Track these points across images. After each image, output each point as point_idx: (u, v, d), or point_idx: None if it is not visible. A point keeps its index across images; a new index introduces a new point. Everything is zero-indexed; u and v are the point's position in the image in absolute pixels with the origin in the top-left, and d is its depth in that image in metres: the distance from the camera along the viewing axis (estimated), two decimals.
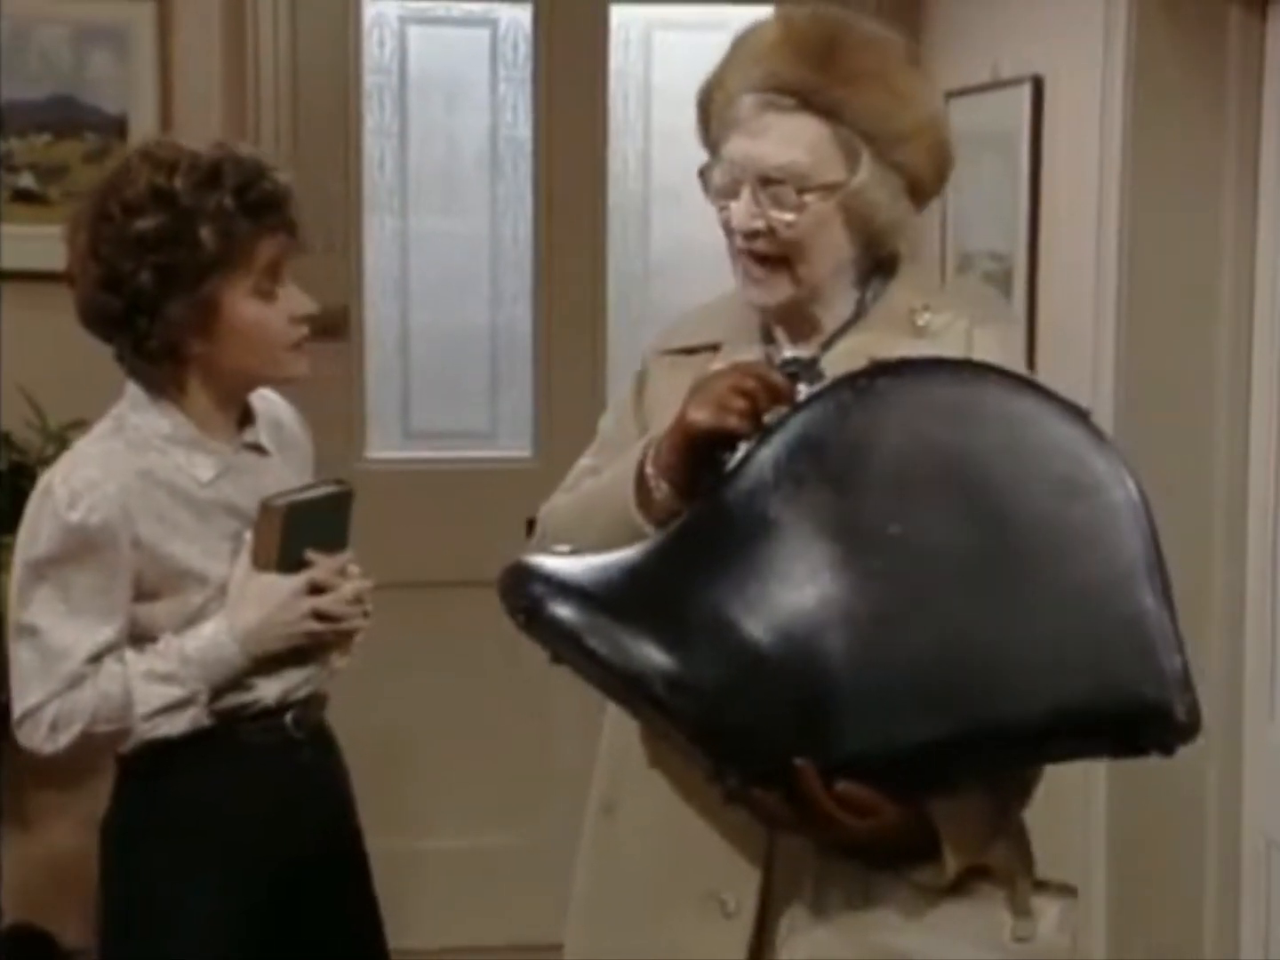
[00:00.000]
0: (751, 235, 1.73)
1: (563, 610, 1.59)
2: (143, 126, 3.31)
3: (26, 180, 3.31)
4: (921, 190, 1.77)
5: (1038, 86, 3.02)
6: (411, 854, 3.74)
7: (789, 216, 1.71)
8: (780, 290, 1.76)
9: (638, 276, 3.81)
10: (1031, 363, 3.06)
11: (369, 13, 3.66)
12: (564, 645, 1.60)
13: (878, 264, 1.80)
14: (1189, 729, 1.52)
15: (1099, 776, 2.78)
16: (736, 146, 1.73)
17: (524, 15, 3.70)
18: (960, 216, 3.39)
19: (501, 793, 3.68)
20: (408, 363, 3.79)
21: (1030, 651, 1.52)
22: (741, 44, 1.75)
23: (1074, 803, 2.86)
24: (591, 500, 1.80)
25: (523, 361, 3.79)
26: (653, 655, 1.56)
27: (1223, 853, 2.81)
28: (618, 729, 1.80)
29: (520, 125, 3.74)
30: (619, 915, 1.82)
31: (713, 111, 1.77)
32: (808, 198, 1.71)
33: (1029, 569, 1.53)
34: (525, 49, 3.71)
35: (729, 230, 1.75)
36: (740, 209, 1.72)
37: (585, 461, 1.92)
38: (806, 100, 1.69)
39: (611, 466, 1.80)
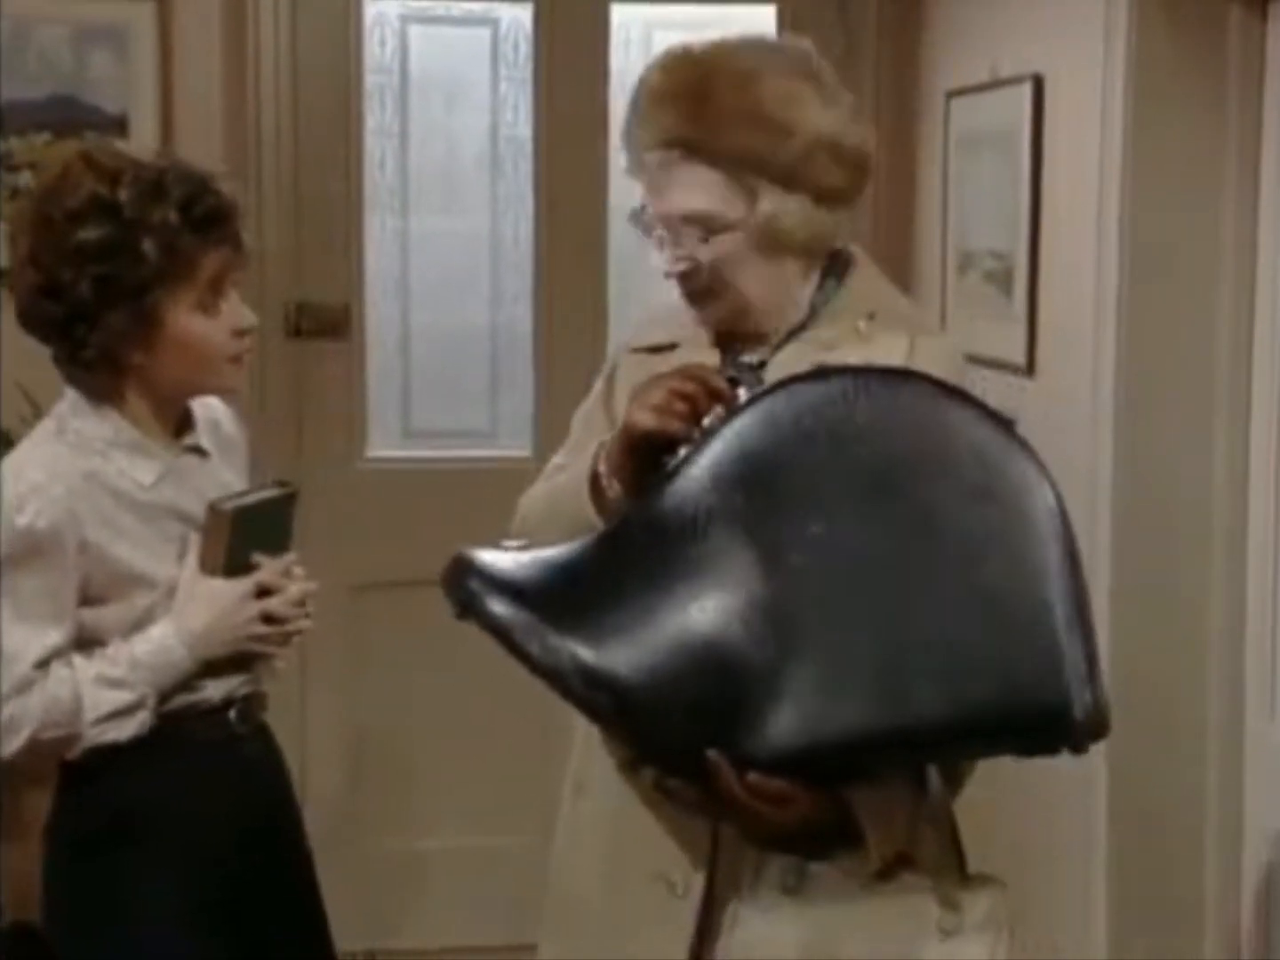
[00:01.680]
0: (681, 276, 1.83)
1: (495, 606, 1.65)
2: (143, 126, 3.31)
3: (26, 179, 3.31)
4: (839, 195, 1.82)
5: (1038, 86, 3.02)
6: (413, 854, 3.75)
7: (703, 258, 1.80)
8: (716, 312, 1.85)
9: (638, 276, 3.81)
10: (1031, 362, 3.06)
11: (370, 12, 3.66)
12: (497, 639, 1.66)
13: (829, 268, 1.87)
14: (1091, 730, 1.56)
15: (1100, 777, 2.78)
16: (651, 198, 1.83)
17: (525, 15, 3.70)
18: (961, 215, 3.39)
19: (504, 793, 3.68)
20: (408, 362, 3.79)
21: (938, 653, 1.57)
22: (634, 98, 1.83)
23: (1073, 803, 2.86)
24: (555, 497, 1.87)
25: (523, 361, 3.79)
26: (575, 651, 1.62)
27: (1223, 852, 2.81)
28: None
29: (521, 125, 3.73)
30: (579, 895, 1.87)
31: (633, 167, 1.85)
32: (716, 239, 1.79)
33: (941, 571, 1.59)
34: (526, 49, 3.71)
35: (666, 273, 1.85)
36: (662, 256, 1.83)
37: (558, 459, 1.98)
38: (693, 149, 1.77)
39: (575, 465, 1.86)
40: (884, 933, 1.69)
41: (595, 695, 1.62)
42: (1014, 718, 1.57)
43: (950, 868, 1.74)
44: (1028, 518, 1.59)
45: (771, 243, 1.80)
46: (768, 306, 1.85)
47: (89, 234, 1.95)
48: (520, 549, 1.71)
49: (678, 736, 1.62)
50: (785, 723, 1.59)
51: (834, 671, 1.58)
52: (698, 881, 1.77)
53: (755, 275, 1.82)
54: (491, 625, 1.66)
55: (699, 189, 1.79)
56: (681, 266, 1.82)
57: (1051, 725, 1.56)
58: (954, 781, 1.77)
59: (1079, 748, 1.57)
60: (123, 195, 1.95)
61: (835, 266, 1.88)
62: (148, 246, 1.95)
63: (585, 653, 1.62)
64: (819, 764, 1.61)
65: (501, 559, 1.69)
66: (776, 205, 1.78)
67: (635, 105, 1.83)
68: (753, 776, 1.61)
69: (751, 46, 1.84)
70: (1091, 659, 1.57)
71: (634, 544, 1.66)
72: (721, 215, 1.79)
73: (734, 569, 1.62)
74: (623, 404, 1.84)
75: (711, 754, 1.60)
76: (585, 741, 1.89)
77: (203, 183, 2.00)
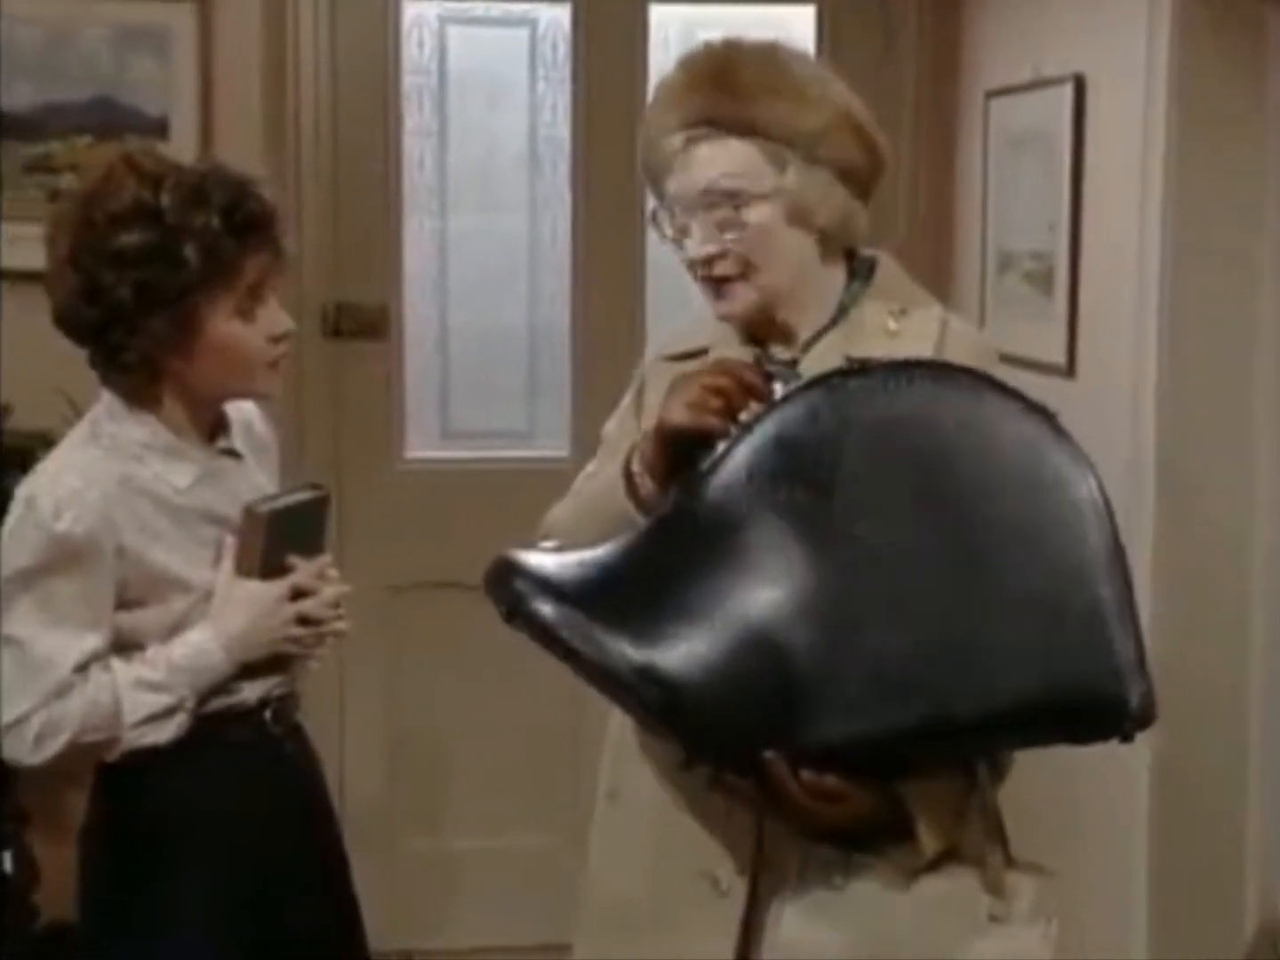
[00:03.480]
0: (709, 261, 1.83)
1: (543, 607, 1.65)
2: (183, 128, 3.32)
3: (68, 182, 3.32)
4: (858, 178, 1.84)
5: (1079, 86, 3.00)
6: (449, 854, 3.75)
7: (735, 234, 1.81)
8: (744, 299, 1.84)
9: (676, 277, 3.80)
10: (1072, 363, 3.05)
11: (408, 13, 3.67)
12: (544, 640, 1.66)
13: (854, 270, 1.88)
14: (1143, 718, 1.58)
15: (1141, 766, 2.77)
16: (675, 183, 1.83)
17: (563, 15, 3.70)
18: (1001, 216, 3.37)
19: (539, 793, 3.68)
20: (446, 363, 3.79)
21: (990, 645, 1.58)
22: (655, 96, 1.87)
23: (1115, 793, 2.85)
24: (589, 502, 1.87)
25: (561, 361, 3.79)
26: (625, 649, 1.62)
27: (1265, 842, 2.79)
28: (620, 718, 1.86)
29: (559, 125, 3.73)
30: (620, 898, 1.87)
31: (650, 164, 1.87)
32: (747, 211, 1.80)
33: (990, 564, 1.60)
34: (564, 49, 3.71)
35: (691, 264, 1.86)
36: (694, 240, 1.83)
37: (589, 469, 1.98)
38: (721, 124, 1.79)
39: (605, 471, 1.86)
40: (933, 922, 1.69)
41: (650, 693, 1.62)
42: (1068, 708, 1.58)
43: (996, 855, 1.73)
44: (1073, 508, 1.60)
45: (800, 218, 1.81)
46: (795, 297, 1.85)
47: (130, 238, 1.95)
48: (557, 550, 1.71)
49: (732, 733, 1.62)
50: (838, 718, 1.59)
51: (885, 665, 1.59)
52: (742, 878, 1.77)
53: (784, 258, 1.82)
54: (540, 626, 1.65)
55: (729, 160, 1.80)
56: (711, 248, 1.82)
57: (1106, 715, 1.58)
58: (998, 769, 1.77)
59: (1129, 736, 1.59)
60: (165, 200, 1.95)
61: (861, 268, 1.89)
62: (188, 252, 1.95)
63: (636, 652, 1.62)
64: (872, 758, 1.62)
65: (545, 559, 1.69)
66: (803, 177, 1.80)
67: (657, 100, 1.86)
68: (807, 774, 1.62)
69: (772, 40, 1.87)
70: (1141, 648, 1.58)
71: (676, 540, 1.66)
72: (752, 186, 1.79)
73: (779, 564, 1.62)
74: (650, 413, 1.84)
75: (768, 755, 1.61)
76: (616, 749, 1.90)
77: (244, 188, 2.00)
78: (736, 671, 1.60)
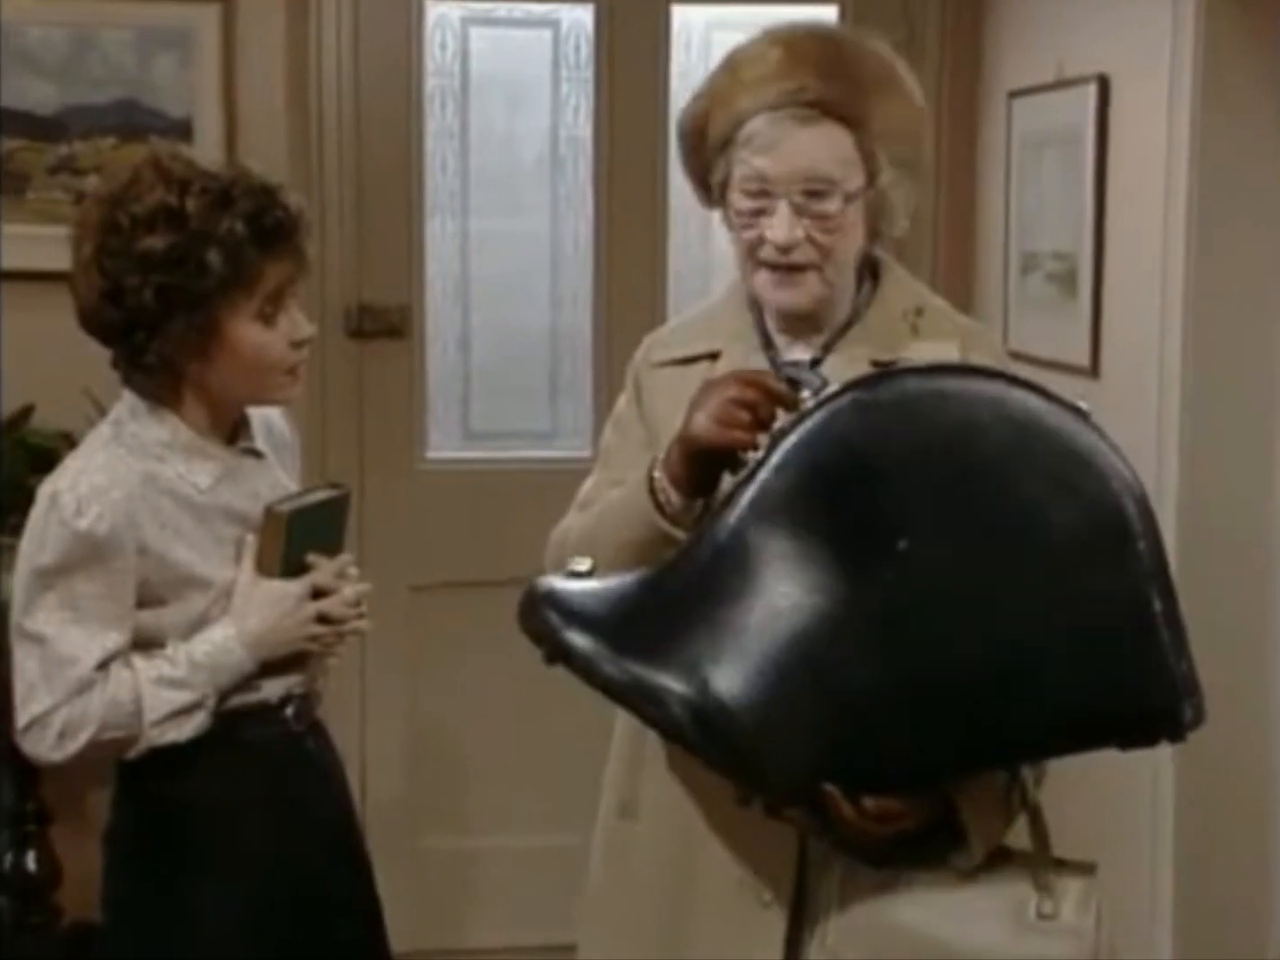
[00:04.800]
0: (787, 248, 1.77)
1: (577, 639, 1.60)
2: (207, 129, 3.33)
3: (93, 183, 3.33)
4: (915, 178, 1.83)
5: (1103, 85, 2.99)
6: (470, 853, 3.75)
7: (826, 224, 1.75)
8: (812, 292, 1.79)
9: (699, 277, 3.80)
10: (1096, 364, 3.04)
11: (431, 14, 3.67)
12: (581, 673, 1.61)
13: (862, 269, 1.85)
14: (1194, 725, 1.58)
15: (1166, 770, 2.76)
16: (762, 164, 1.76)
17: (586, 16, 3.70)
18: (1023, 217, 3.36)
19: (560, 793, 3.67)
20: (468, 363, 3.79)
21: (1042, 660, 1.55)
22: (742, 67, 1.79)
23: (1140, 797, 2.84)
24: (604, 519, 1.82)
25: (582, 362, 3.79)
26: (670, 684, 1.57)
27: None
28: (630, 733, 1.84)
29: (581, 126, 3.73)
30: (638, 917, 1.85)
31: (709, 138, 1.80)
32: (841, 203, 1.75)
33: (1037, 577, 1.55)
34: (587, 50, 3.71)
35: (757, 244, 1.78)
36: (779, 223, 1.76)
37: (591, 481, 1.94)
38: (828, 110, 1.74)
39: (624, 486, 1.81)
40: (982, 923, 1.68)
41: (701, 730, 1.56)
42: (1121, 720, 1.57)
43: (1041, 852, 1.72)
44: (1120, 519, 1.56)
45: (877, 219, 1.78)
46: (837, 295, 1.82)
47: (155, 242, 1.96)
48: (589, 574, 1.65)
49: (791, 769, 1.57)
50: (892, 742, 1.56)
51: (934, 685, 1.55)
52: (785, 888, 1.76)
53: (850, 250, 1.79)
54: (576, 658, 1.61)
55: (831, 150, 1.75)
56: (799, 232, 1.76)
57: (1159, 723, 1.57)
58: (1041, 773, 1.75)
59: (1179, 739, 1.59)
60: (190, 205, 1.96)
61: (867, 267, 1.86)
62: (212, 257, 1.96)
63: (680, 686, 1.56)
64: (928, 777, 1.59)
65: (577, 588, 1.63)
66: (890, 176, 1.77)
67: (745, 71, 1.78)
68: (867, 801, 1.58)
69: (854, 31, 1.88)
70: (1190, 658, 1.56)
71: (709, 568, 1.60)
72: (848, 180, 1.76)
73: (819, 585, 1.56)
74: (662, 419, 1.81)
75: (828, 787, 1.57)
76: (629, 763, 1.87)
77: (269, 195, 2.00)
78: (790, 706, 1.55)
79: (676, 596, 1.61)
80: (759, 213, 1.78)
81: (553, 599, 1.63)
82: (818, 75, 1.75)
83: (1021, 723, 1.56)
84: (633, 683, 1.58)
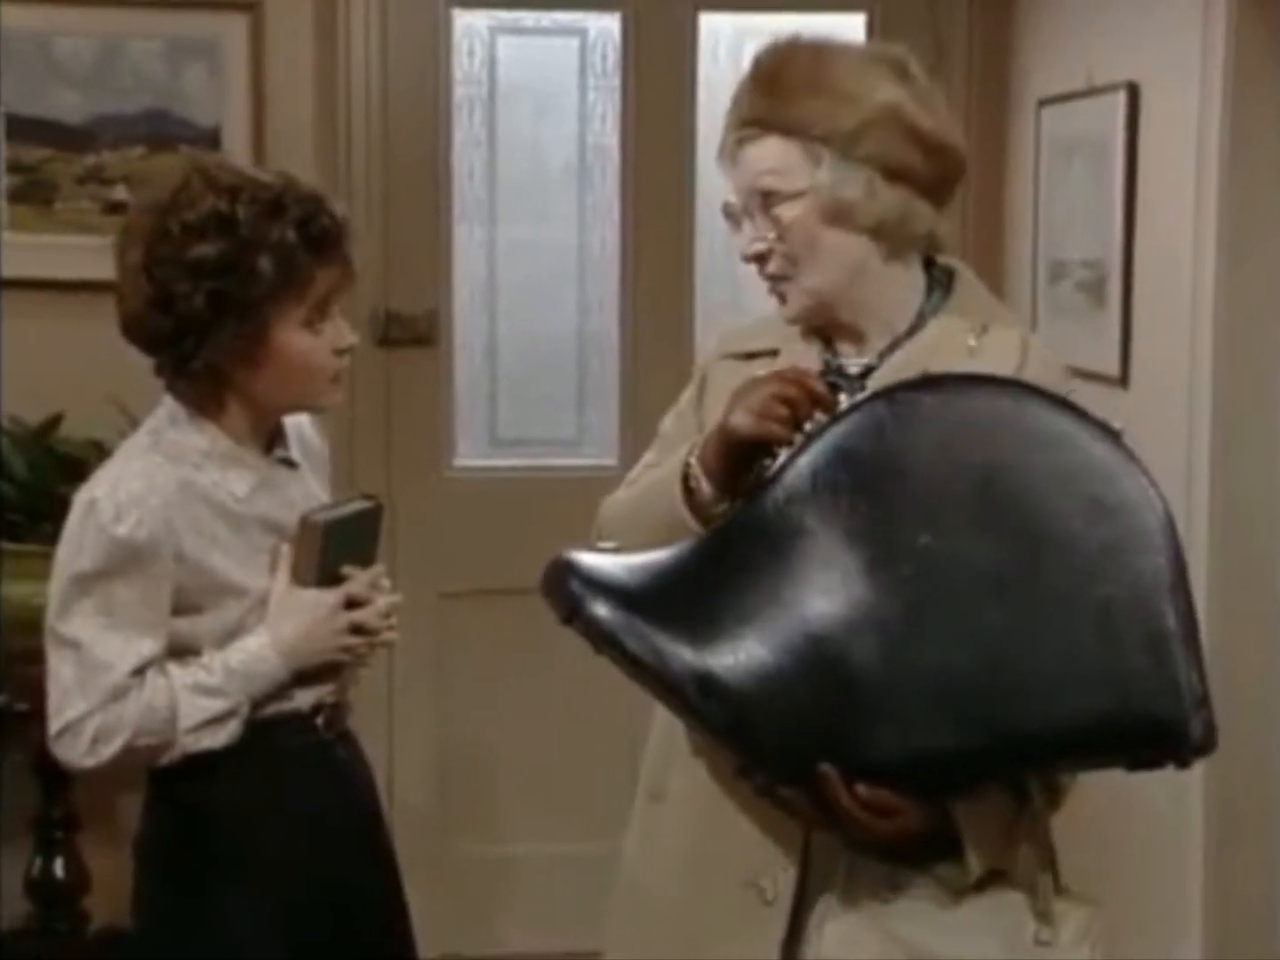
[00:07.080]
0: (758, 260, 1.83)
1: (601, 610, 1.65)
2: (235, 138, 3.34)
3: (121, 193, 3.35)
4: (916, 178, 1.80)
5: (1133, 93, 2.98)
6: (499, 860, 3.75)
7: (774, 233, 1.81)
8: (795, 302, 1.84)
9: (725, 284, 3.80)
10: (1125, 373, 3.03)
11: (459, 23, 3.67)
12: (602, 643, 1.66)
13: (934, 278, 1.86)
14: (1204, 746, 1.57)
15: (1195, 784, 2.75)
16: (731, 183, 1.85)
17: (613, 24, 3.70)
18: (1052, 224, 3.36)
19: (589, 799, 3.68)
20: (495, 371, 3.80)
21: (1052, 666, 1.57)
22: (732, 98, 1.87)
23: (1169, 809, 2.83)
24: (643, 497, 1.87)
25: (610, 370, 3.79)
26: (685, 656, 1.62)
27: None
28: (666, 719, 1.85)
29: (609, 134, 3.73)
30: (659, 901, 1.87)
31: (720, 164, 1.88)
32: (783, 209, 1.80)
33: (1054, 585, 1.58)
34: (614, 58, 3.71)
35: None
36: (740, 238, 1.85)
37: (647, 457, 1.98)
38: (763, 124, 1.80)
39: (664, 465, 1.85)
40: (978, 943, 1.68)
41: (709, 703, 1.62)
42: (1128, 733, 1.57)
43: (1046, 881, 1.72)
44: (1141, 533, 1.58)
45: (837, 216, 1.79)
46: (855, 300, 1.83)
47: (207, 249, 1.97)
48: (615, 551, 1.70)
49: (790, 746, 1.61)
50: (895, 733, 1.59)
51: (945, 682, 1.58)
52: (788, 888, 1.77)
53: (828, 259, 1.81)
54: (598, 629, 1.65)
55: (769, 159, 1.80)
56: (756, 246, 1.82)
57: (1166, 743, 1.57)
58: (1054, 795, 1.75)
59: (1188, 763, 1.58)
60: (241, 212, 1.97)
61: (940, 277, 1.87)
62: (263, 264, 1.97)
63: (694, 659, 1.61)
64: (925, 776, 1.61)
65: (604, 561, 1.68)
66: (837, 174, 1.78)
67: (733, 95, 1.87)
68: (861, 788, 1.61)
69: (842, 41, 1.87)
70: (1204, 677, 1.56)
71: (737, 549, 1.65)
72: (788, 183, 1.79)
73: (840, 577, 1.61)
74: (714, 411, 1.83)
75: (823, 766, 1.60)
76: (663, 750, 1.89)
77: (318, 203, 2.01)
78: (795, 683, 1.60)
79: (699, 577, 1.66)
80: (737, 234, 1.85)
81: (579, 571, 1.67)
82: (757, 92, 1.81)
83: (1024, 723, 1.57)
84: (648, 655, 1.62)
